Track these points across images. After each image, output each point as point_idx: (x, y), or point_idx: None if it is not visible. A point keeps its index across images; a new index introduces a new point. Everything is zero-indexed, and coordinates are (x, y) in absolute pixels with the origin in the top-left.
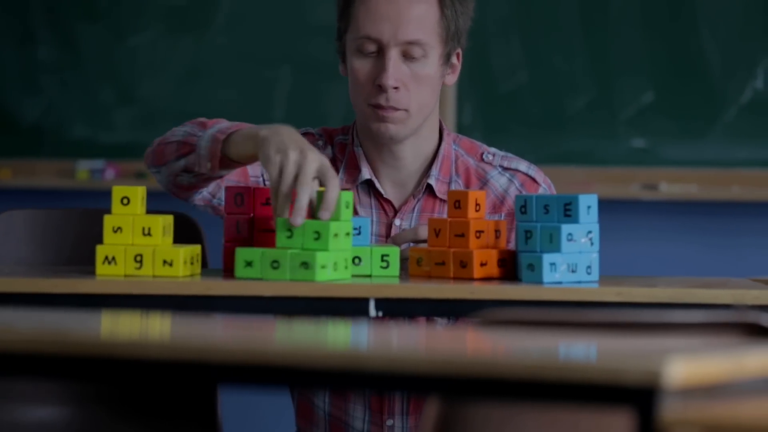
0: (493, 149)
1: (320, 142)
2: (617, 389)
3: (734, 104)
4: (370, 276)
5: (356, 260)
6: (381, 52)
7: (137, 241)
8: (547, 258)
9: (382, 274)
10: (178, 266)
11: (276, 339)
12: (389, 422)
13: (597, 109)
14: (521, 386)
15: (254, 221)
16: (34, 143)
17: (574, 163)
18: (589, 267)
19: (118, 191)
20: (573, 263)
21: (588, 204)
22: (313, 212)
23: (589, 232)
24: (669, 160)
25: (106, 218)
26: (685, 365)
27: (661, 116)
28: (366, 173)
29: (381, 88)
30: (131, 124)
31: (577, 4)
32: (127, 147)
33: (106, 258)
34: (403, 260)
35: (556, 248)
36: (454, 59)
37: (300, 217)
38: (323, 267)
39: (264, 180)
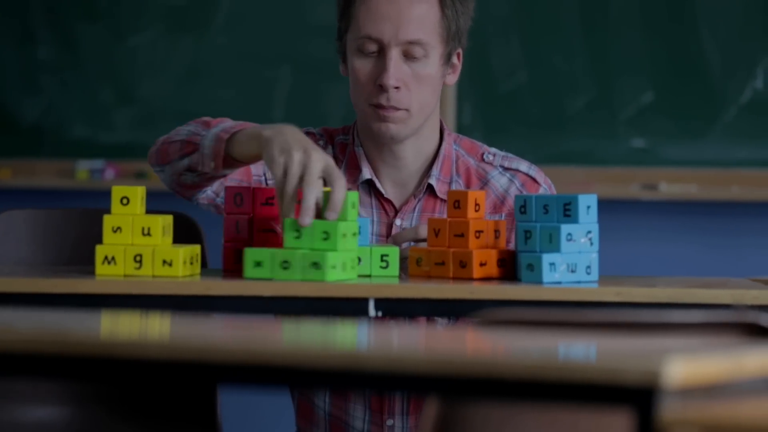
0: (493, 149)
1: (321, 142)
2: (616, 389)
3: (734, 104)
4: (369, 276)
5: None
6: (382, 52)
7: (137, 241)
8: (547, 258)
9: (381, 274)
10: (178, 266)
11: (276, 339)
12: (389, 422)
13: (597, 109)
14: (521, 386)
15: (254, 221)
16: (34, 143)
17: (574, 163)
18: (588, 267)
19: (117, 191)
20: (572, 263)
21: (587, 204)
22: (319, 212)
23: (589, 232)
24: (669, 160)
25: (106, 218)
26: (685, 365)
27: (661, 116)
28: (367, 173)
29: (382, 88)
30: (131, 124)
31: (577, 5)
32: (126, 147)
33: (106, 258)
34: (403, 259)
35: (555, 248)
36: (454, 59)
37: (308, 217)
38: (333, 267)
39: (266, 179)
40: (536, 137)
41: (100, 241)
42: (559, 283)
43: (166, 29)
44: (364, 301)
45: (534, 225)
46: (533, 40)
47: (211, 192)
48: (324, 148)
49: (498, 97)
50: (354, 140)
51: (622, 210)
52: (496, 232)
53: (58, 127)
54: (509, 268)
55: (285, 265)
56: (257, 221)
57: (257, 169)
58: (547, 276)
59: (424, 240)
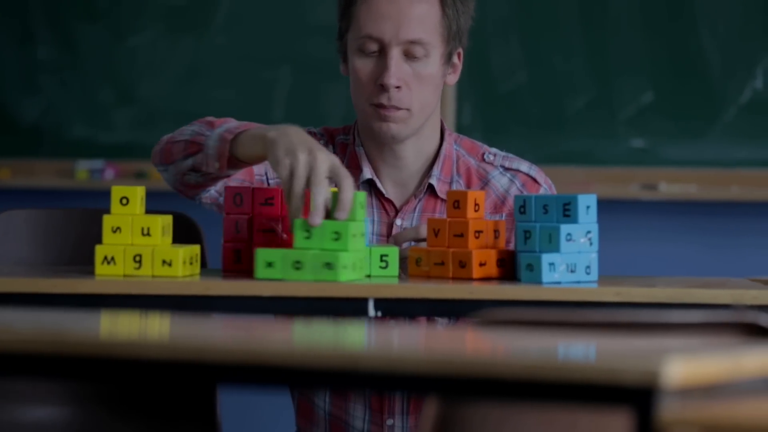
0: (494, 149)
1: (322, 142)
2: (616, 389)
3: (734, 104)
4: (369, 276)
5: None
6: (383, 52)
7: (136, 241)
8: (546, 258)
9: (381, 274)
10: (177, 266)
11: (275, 339)
12: (389, 422)
13: (596, 109)
14: (520, 386)
15: (253, 221)
16: (34, 143)
17: (574, 163)
18: (588, 267)
19: (117, 191)
20: (572, 263)
21: (587, 204)
22: (327, 212)
23: (588, 232)
24: (668, 160)
25: (105, 218)
26: (684, 365)
27: (661, 116)
28: (367, 173)
29: (383, 88)
30: (131, 124)
31: (577, 4)
32: (126, 147)
33: (105, 258)
34: (403, 259)
35: (555, 248)
36: (455, 59)
37: (318, 217)
38: (345, 267)
39: (268, 178)
40: (536, 137)
41: (99, 241)
42: (559, 283)
43: (165, 29)
44: (363, 301)
45: (533, 225)
46: (533, 40)
47: (215, 191)
48: (325, 147)
49: (498, 97)
50: (354, 140)
51: (621, 210)
52: (496, 232)
53: (57, 127)
54: (509, 268)
55: (297, 265)
56: (257, 221)
57: (259, 169)
58: (547, 276)
59: (425, 240)
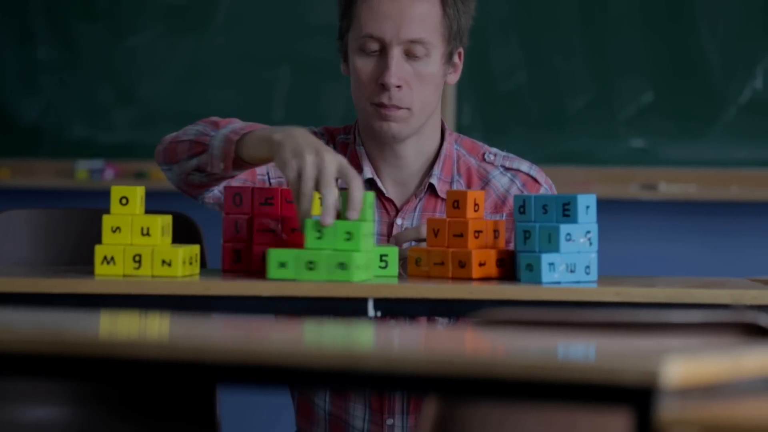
0: (494, 149)
1: (323, 141)
2: (615, 389)
3: (733, 104)
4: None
5: None
6: (384, 51)
7: (136, 241)
8: (546, 258)
9: (380, 274)
10: (177, 266)
11: (275, 339)
12: (389, 421)
13: (596, 109)
14: (520, 386)
15: (253, 221)
16: (34, 143)
17: (574, 163)
18: (587, 267)
19: (116, 191)
20: (572, 263)
21: (587, 204)
22: (337, 213)
23: (588, 232)
24: (668, 160)
25: (105, 218)
26: (683, 365)
27: (661, 116)
28: (368, 172)
29: (384, 87)
30: (130, 124)
31: (577, 4)
32: (126, 147)
33: (105, 258)
34: (403, 259)
35: (554, 248)
36: (456, 58)
37: (330, 217)
38: (358, 267)
39: (269, 178)
40: (536, 137)
41: (99, 241)
42: (558, 283)
43: (165, 29)
44: (363, 301)
45: (533, 225)
46: (533, 40)
47: (218, 191)
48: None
49: (497, 97)
50: (355, 139)
51: (621, 210)
52: (495, 232)
53: (57, 127)
54: (508, 268)
55: (311, 265)
56: (257, 221)
57: (261, 168)
58: (546, 276)
59: (425, 240)
